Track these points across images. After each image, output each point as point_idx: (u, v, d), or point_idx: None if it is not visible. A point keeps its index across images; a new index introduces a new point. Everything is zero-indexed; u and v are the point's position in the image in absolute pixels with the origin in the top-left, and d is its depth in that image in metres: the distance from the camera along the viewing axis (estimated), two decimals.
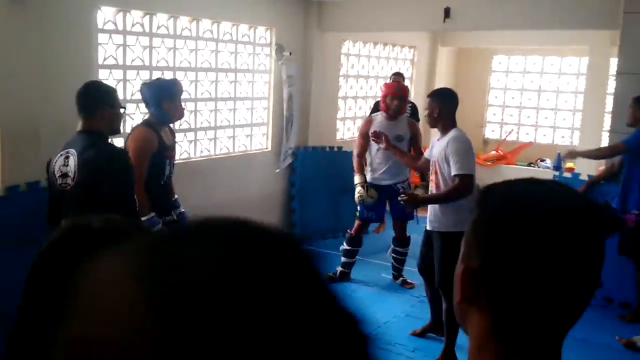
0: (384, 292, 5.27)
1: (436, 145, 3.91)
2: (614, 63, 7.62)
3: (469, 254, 0.82)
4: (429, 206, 3.95)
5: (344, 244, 5.50)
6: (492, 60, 9.84)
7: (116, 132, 3.22)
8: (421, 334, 4.35)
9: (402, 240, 5.34)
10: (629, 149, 4.60)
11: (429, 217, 3.94)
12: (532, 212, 0.78)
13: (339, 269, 5.49)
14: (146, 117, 3.97)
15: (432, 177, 3.93)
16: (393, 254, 5.39)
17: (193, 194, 4.98)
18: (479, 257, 0.80)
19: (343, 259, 5.47)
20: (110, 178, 2.80)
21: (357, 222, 5.43)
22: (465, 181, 3.69)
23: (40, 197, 4.11)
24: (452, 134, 3.78)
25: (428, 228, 3.98)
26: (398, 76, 6.18)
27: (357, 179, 5.19)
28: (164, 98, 3.71)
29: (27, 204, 4.03)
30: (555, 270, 0.76)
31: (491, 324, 0.79)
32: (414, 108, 6.29)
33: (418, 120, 6.01)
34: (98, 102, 2.96)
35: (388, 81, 6.18)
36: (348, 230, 5.52)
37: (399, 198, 4.02)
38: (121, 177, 2.84)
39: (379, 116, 5.15)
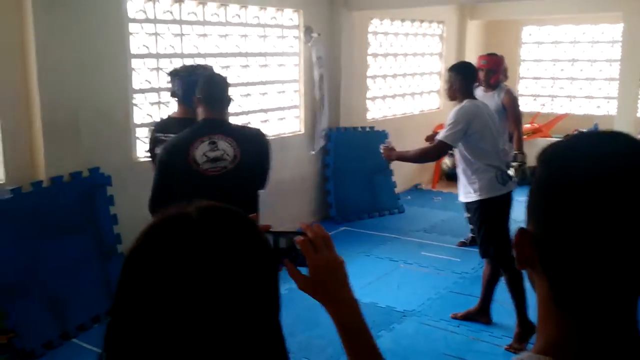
0: (424, 269, 5.25)
1: None
2: None
3: (527, 217, 0.77)
4: (458, 179, 3.98)
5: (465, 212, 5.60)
6: (521, 31, 9.65)
7: None
8: (463, 318, 4.22)
9: None
10: None
11: (458, 190, 4.04)
12: (583, 174, 0.70)
13: (470, 235, 5.73)
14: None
15: None
16: None
17: None
18: (533, 220, 0.75)
19: (471, 226, 5.66)
20: (267, 163, 3.01)
21: None
22: (439, 147, 3.85)
23: (82, 187, 4.20)
24: (461, 104, 3.83)
25: (460, 200, 4.08)
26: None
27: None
28: None
29: (71, 193, 4.12)
30: (613, 237, 0.67)
31: (550, 289, 0.74)
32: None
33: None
34: (228, 94, 3.01)
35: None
36: None
37: (380, 146, 4.00)
38: (270, 155, 3.05)
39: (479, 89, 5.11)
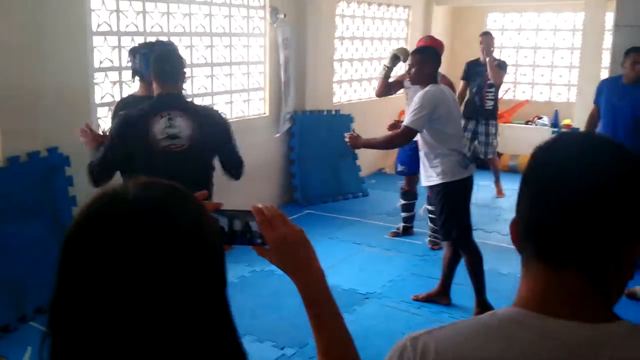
0: (387, 252, 5.31)
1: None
2: (609, 18, 7.57)
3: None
4: (420, 163, 4.01)
5: (400, 199, 5.65)
6: (486, 18, 9.74)
7: None
8: (424, 300, 4.28)
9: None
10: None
11: (421, 173, 4.07)
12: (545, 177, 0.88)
13: (401, 224, 5.67)
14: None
15: None
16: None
17: None
18: (518, 203, 0.93)
19: (402, 214, 5.66)
20: (230, 144, 3.03)
21: (405, 177, 5.57)
22: (405, 133, 3.83)
23: (40, 168, 4.10)
24: (425, 89, 3.83)
25: (422, 184, 4.10)
26: (485, 35, 6.69)
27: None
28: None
29: (29, 174, 4.02)
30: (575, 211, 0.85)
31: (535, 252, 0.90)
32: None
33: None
34: (182, 68, 3.00)
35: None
36: (401, 187, 5.63)
37: (345, 135, 3.99)
38: (232, 135, 3.06)
39: None
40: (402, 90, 5.39)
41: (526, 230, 0.90)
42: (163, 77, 2.92)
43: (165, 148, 2.83)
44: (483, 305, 3.91)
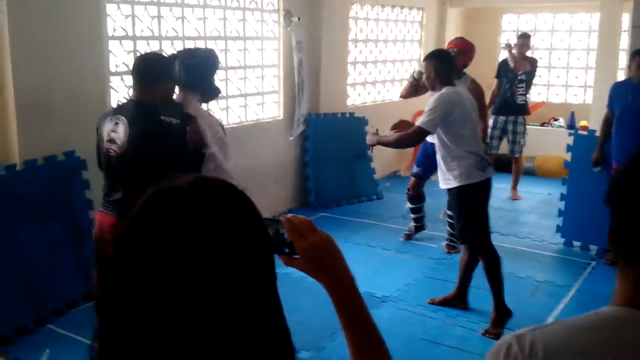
0: (402, 255, 5.28)
1: None
2: (625, 18, 7.49)
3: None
4: (437, 167, 3.98)
5: (408, 203, 5.63)
6: (501, 19, 9.68)
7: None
8: (440, 304, 4.24)
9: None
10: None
11: (439, 176, 4.03)
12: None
13: (412, 224, 5.66)
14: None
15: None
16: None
17: None
18: (612, 212, 0.97)
19: (412, 215, 5.65)
20: (160, 152, 2.81)
21: (412, 180, 5.53)
22: (417, 133, 3.84)
23: (57, 171, 4.13)
24: (441, 91, 3.82)
25: (440, 187, 4.08)
26: (523, 37, 7.03)
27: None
28: (216, 69, 3.38)
29: (45, 177, 4.04)
30: None
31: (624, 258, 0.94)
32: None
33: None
34: (158, 75, 2.92)
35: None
36: (407, 191, 5.59)
37: (367, 130, 3.98)
38: (173, 151, 2.84)
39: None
40: (428, 93, 5.37)
41: (618, 240, 0.95)
42: (133, 83, 2.99)
43: (106, 151, 2.93)
44: (501, 309, 3.87)
